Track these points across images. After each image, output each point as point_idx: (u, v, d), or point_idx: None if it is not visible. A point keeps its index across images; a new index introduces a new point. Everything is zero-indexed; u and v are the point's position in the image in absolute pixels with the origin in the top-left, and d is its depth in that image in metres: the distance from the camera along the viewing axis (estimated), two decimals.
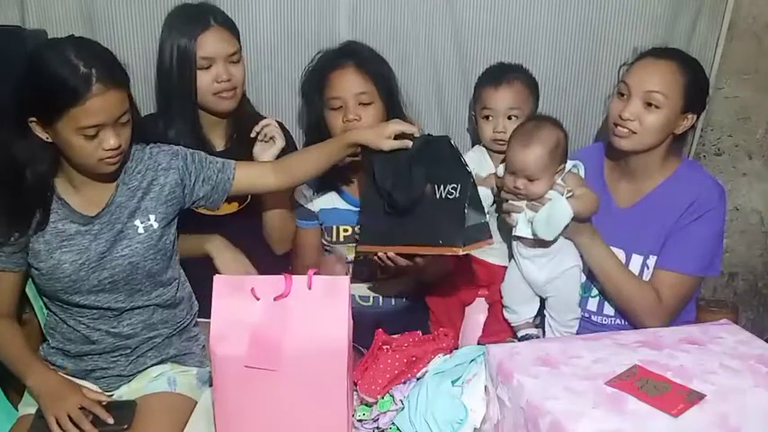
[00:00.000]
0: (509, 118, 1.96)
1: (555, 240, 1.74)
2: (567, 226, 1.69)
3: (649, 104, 1.74)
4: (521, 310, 1.87)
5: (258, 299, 1.39)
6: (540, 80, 2.08)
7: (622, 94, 1.78)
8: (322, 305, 1.39)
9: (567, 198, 1.68)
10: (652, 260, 1.80)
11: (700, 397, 1.22)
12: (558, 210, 1.68)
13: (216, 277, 1.43)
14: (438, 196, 1.63)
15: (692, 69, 1.77)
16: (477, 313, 2.06)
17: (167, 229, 1.65)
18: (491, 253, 1.98)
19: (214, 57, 1.83)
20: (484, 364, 1.44)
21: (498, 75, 2.00)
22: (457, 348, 1.57)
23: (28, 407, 1.58)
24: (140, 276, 1.61)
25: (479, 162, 2.00)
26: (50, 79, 1.42)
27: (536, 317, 1.91)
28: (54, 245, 1.55)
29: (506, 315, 1.90)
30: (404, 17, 2.19)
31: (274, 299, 1.39)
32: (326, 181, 1.95)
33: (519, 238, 1.78)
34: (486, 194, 1.80)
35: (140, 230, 1.60)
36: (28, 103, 1.46)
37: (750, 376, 1.29)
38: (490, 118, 1.97)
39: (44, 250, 1.55)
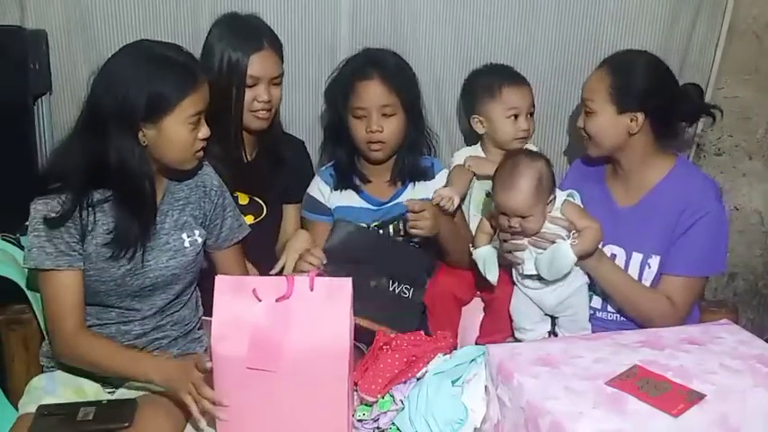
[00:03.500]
0: (531, 115, 2.02)
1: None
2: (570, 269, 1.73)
3: (587, 112, 1.84)
4: (536, 328, 1.87)
5: (260, 300, 1.39)
6: (538, 82, 2.10)
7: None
8: (324, 307, 1.40)
9: (571, 242, 1.69)
10: (654, 260, 1.82)
11: (700, 397, 1.23)
12: (561, 256, 1.69)
13: (218, 277, 1.43)
14: (392, 290, 1.86)
15: (624, 69, 1.81)
16: (476, 314, 2.06)
17: (203, 243, 1.70)
18: None
19: (260, 78, 1.87)
20: (484, 364, 1.44)
21: (510, 75, 2.03)
22: (456, 348, 1.57)
23: (28, 406, 1.57)
24: (178, 287, 1.66)
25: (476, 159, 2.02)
26: (168, 76, 1.50)
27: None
28: (111, 244, 1.56)
29: (519, 336, 1.89)
30: (404, 18, 2.18)
31: (276, 300, 1.39)
32: (345, 179, 2.01)
33: (526, 276, 1.79)
34: (490, 252, 1.84)
35: (186, 244, 1.64)
36: (143, 106, 1.48)
37: (750, 376, 1.30)
38: (517, 117, 1.99)
39: (94, 253, 1.56)
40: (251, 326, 1.37)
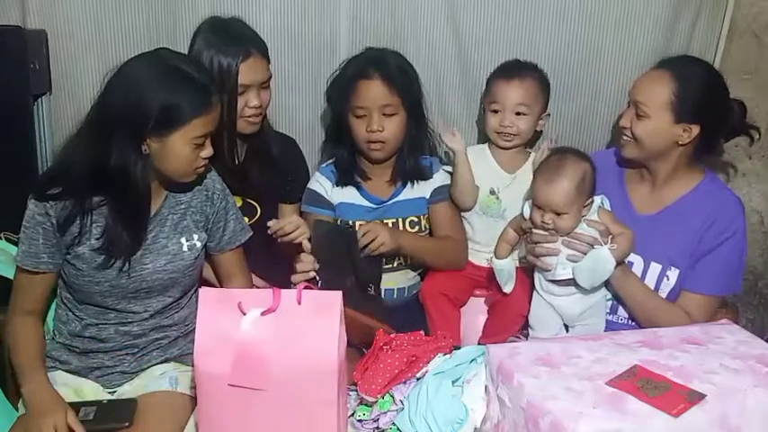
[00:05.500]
0: (517, 114, 1.98)
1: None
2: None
3: (638, 114, 1.77)
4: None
5: (245, 313, 1.33)
6: None
7: (629, 103, 1.83)
8: (312, 322, 1.32)
9: (610, 247, 1.69)
10: (673, 272, 1.81)
11: (700, 397, 1.23)
12: (602, 260, 1.69)
13: (202, 289, 1.39)
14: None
15: (688, 80, 1.75)
16: (476, 314, 2.06)
17: (203, 247, 1.70)
18: (488, 257, 1.98)
19: (250, 84, 1.86)
20: (484, 364, 1.44)
21: (511, 70, 2.03)
22: (457, 348, 1.57)
23: None
24: (175, 291, 1.66)
25: (478, 159, 2.02)
26: (184, 93, 1.48)
27: None
28: (100, 249, 1.56)
29: None
30: (404, 19, 2.19)
31: (262, 314, 1.33)
32: (347, 176, 2.01)
33: (555, 281, 1.77)
34: (510, 265, 1.86)
35: (185, 248, 1.64)
36: (151, 117, 1.47)
37: (750, 376, 1.30)
38: (498, 112, 1.99)
39: (88, 252, 1.56)
40: (235, 341, 1.31)
